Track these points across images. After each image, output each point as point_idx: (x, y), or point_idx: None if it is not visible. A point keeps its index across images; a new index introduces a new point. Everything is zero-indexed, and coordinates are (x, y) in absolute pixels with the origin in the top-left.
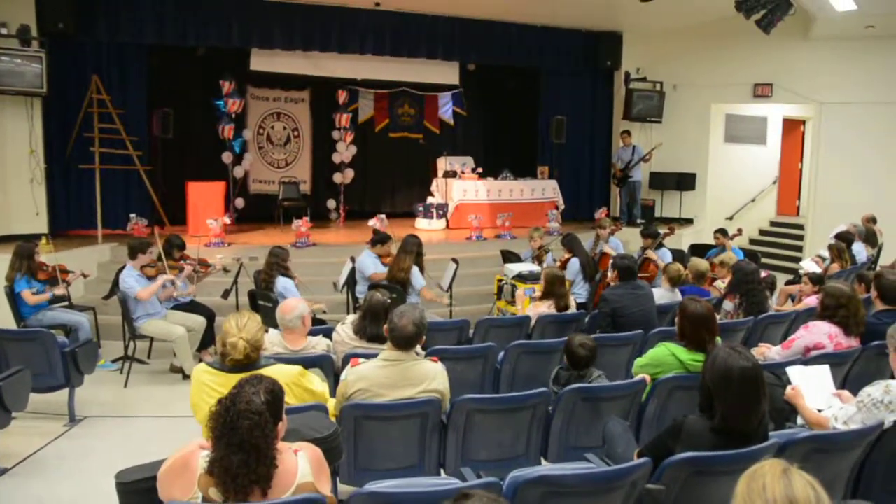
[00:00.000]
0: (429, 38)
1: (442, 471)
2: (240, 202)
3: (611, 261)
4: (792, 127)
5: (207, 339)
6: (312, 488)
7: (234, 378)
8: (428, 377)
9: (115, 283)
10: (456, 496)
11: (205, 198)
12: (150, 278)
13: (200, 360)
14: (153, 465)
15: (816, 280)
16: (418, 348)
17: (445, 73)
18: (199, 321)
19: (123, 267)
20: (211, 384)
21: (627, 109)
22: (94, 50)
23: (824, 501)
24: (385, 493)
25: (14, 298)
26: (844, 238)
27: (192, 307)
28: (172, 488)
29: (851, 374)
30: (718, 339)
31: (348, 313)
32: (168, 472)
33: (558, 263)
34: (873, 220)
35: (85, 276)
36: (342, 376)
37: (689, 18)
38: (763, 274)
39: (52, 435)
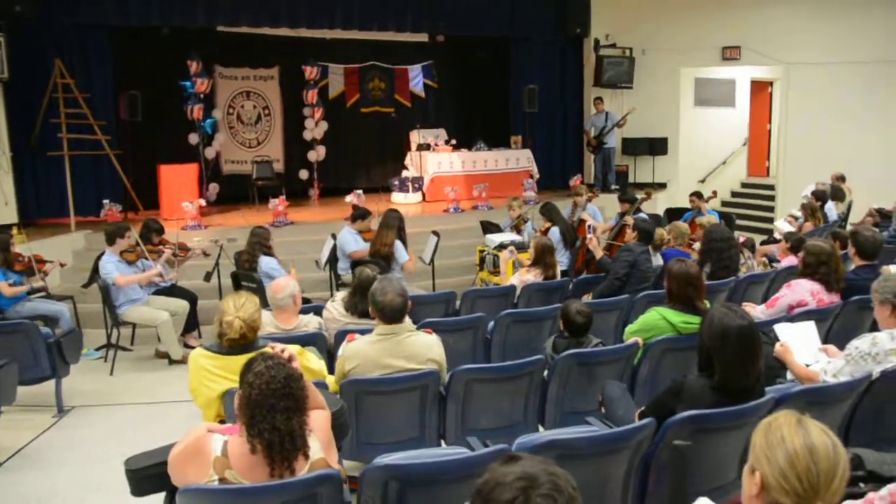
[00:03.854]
0: (398, 10)
1: (442, 442)
2: (213, 188)
3: (633, 222)
4: (760, 89)
5: (191, 322)
6: (325, 464)
7: (234, 360)
8: (424, 348)
9: (95, 271)
10: (505, 458)
11: (178, 181)
12: (131, 263)
13: (185, 345)
14: (161, 450)
15: (794, 241)
16: (410, 321)
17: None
18: (182, 305)
19: (102, 253)
20: (210, 367)
21: (598, 76)
22: (56, 33)
23: (839, 447)
24: (400, 465)
25: None
26: (820, 196)
27: (173, 291)
28: (186, 473)
29: (833, 329)
30: (707, 303)
31: (331, 290)
32: (180, 457)
33: (539, 232)
34: (842, 178)
35: (62, 265)
36: (339, 353)
37: None
38: (742, 238)
39: (42, 427)
